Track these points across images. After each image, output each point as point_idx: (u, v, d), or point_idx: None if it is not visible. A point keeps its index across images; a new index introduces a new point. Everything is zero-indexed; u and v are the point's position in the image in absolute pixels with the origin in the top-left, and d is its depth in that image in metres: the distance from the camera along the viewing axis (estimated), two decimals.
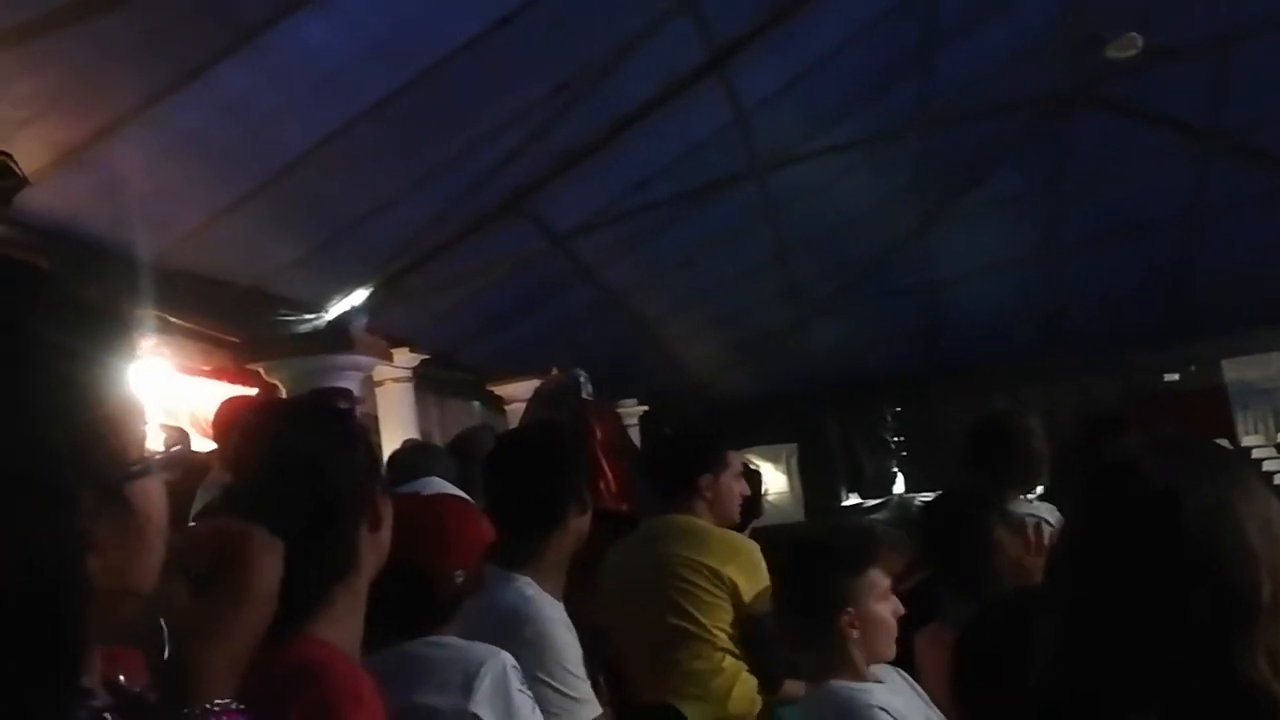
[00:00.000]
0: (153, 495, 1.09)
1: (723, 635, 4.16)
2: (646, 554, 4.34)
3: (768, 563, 4.19)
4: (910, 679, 3.22)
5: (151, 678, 1.19)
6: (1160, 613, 1.33)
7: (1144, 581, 1.36)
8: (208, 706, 1.21)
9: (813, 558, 3.14)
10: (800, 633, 3.14)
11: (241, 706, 1.25)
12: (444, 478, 2.94)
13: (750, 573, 4.18)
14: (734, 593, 4.16)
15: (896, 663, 3.24)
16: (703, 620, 4.15)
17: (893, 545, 3.16)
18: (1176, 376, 14.78)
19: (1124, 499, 1.43)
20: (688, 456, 4.53)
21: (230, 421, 4.77)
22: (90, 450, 0.98)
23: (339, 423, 2.07)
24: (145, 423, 1.10)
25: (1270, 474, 12.85)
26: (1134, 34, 8.93)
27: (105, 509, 1.00)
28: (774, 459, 14.83)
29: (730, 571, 4.17)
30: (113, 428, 1.02)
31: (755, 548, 4.30)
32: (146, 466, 1.08)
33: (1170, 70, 9.45)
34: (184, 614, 1.23)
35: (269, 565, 1.34)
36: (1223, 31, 9.03)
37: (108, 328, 1.05)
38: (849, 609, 2.98)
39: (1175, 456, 1.45)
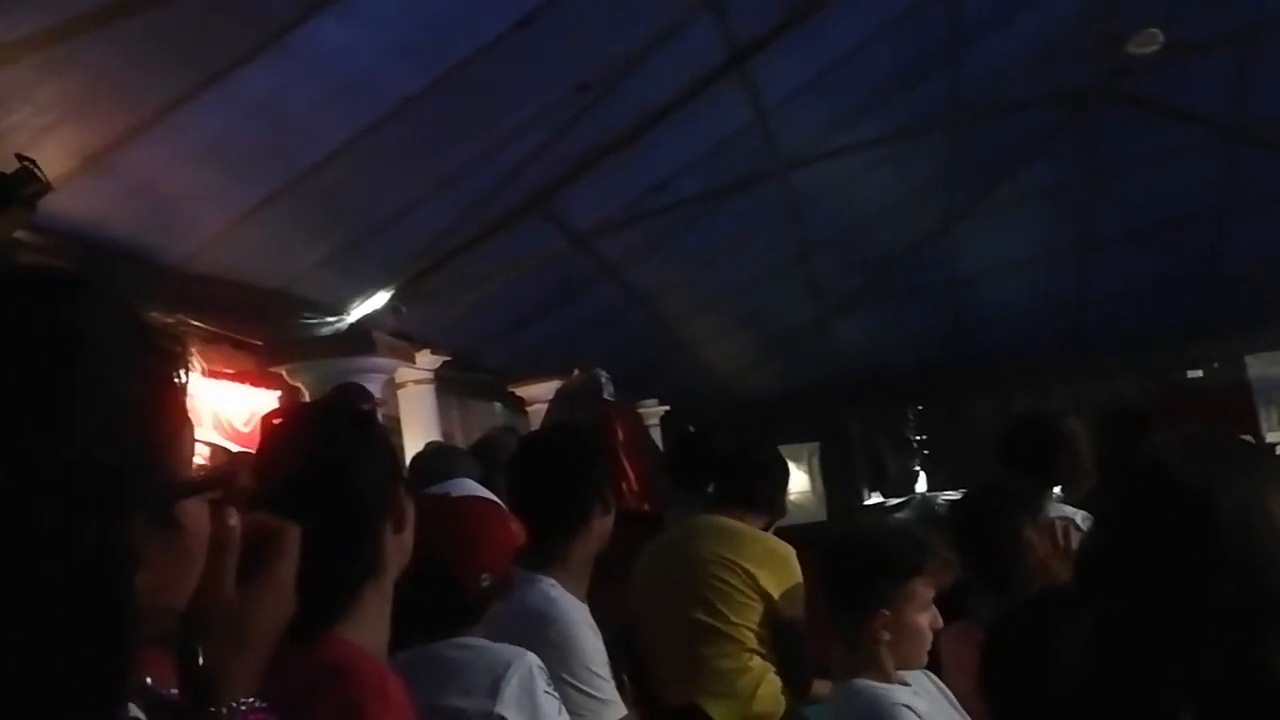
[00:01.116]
0: (199, 514, 1.09)
1: (752, 636, 4.19)
2: (682, 552, 4.37)
3: (801, 563, 4.21)
4: (938, 680, 3.22)
5: (179, 680, 1.19)
6: (1194, 612, 1.32)
7: (1177, 580, 1.35)
8: (234, 705, 1.22)
9: (861, 556, 3.14)
10: (835, 626, 3.14)
11: (265, 705, 1.25)
12: (468, 479, 2.94)
13: (784, 576, 4.21)
14: (766, 595, 4.19)
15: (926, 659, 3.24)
16: (733, 619, 4.18)
17: (944, 559, 3.14)
18: (1200, 373, 14.71)
19: (1157, 498, 1.42)
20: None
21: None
22: (147, 467, 0.98)
23: (362, 424, 2.08)
24: (195, 441, 1.10)
25: None
26: (1155, 30, 8.88)
27: (155, 527, 1.00)
28: (796, 458, 14.78)
29: (765, 574, 4.20)
30: (168, 446, 1.03)
31: (791, 552, 4.33)
32: (196, 486, 1.08)
33: (1194, 65, 9.39)
34: (225, 603, 1.23)
35: (294, 563, 1.35)
36: (1245, 25, 8.97)
37: (166, 343, 1.06)
38: (885, 612, 2.97)
39: (1207, 455, 1.44)
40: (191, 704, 1.19)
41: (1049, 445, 4.43)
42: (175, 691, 1.17)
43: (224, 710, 1.21)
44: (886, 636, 2.97)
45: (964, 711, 3.10)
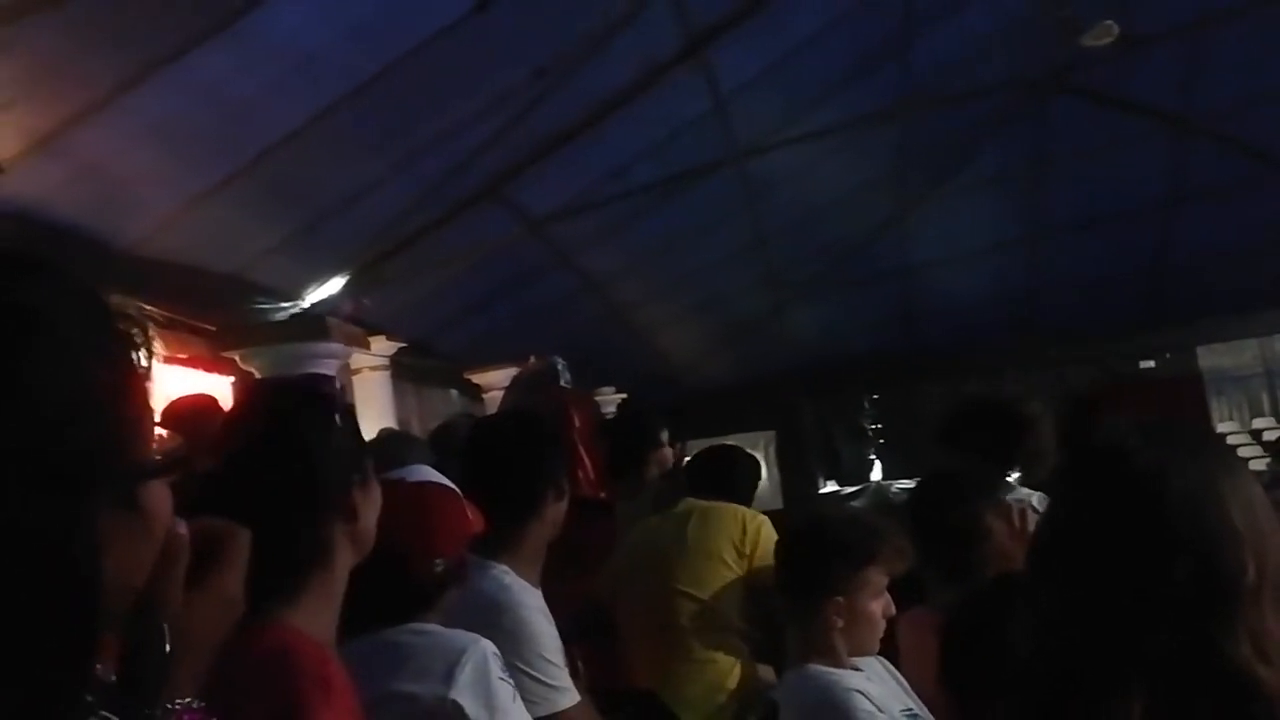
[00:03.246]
0: (160, 496, 1.08)
1: (729, 614, 4.21)
2: (667, 534, 4.39)
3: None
4: (891, 667, 3.23)
5: (119, 667, 1.18)
6: (1144, 594, 1.33)
7: (1128, 562, 1.36)
8: (169, 706, 1.21)
9: (815, 543, 3.15)
10: (788, 612, 3.15)
11: (202, 704, 1.25)
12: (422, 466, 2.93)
13: (768, 556, 4.23)
14: (750, 573, 4.23)
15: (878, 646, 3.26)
16: (709, 601, 4.20)
17: (898, 546, 3.16)
18: (1152, 363, 14.85)
19: (1109, 480, 1.43)
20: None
21: (180, 418, 4.75)
22: (111, 449, 0.97)
23: (321, 410, 2.07)
24: (156, 423, 1.09)
25: (1246, 460, 12.92)
26: (1110, 21, 8.94)
27: (119, 508, 0.99)
28: (751, 446, 14.80)
29: (754, 554, 4.24)
30: (130, 427, 1.02)
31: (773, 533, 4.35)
32: (158, 467, 1.08)
33: (1146, 57, 9.46)
34: (174, 611, 1.22)
35: (243, 569, 1.34)
36: (1196, 18, 9.05)
37: (125, 325, 1.05)
38: (839, 599, 2.98)
39: (1160, 440, 1.45)
40: (128, 698, 1.18)
41: (1010, 429, 4.40)
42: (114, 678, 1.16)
43: (159, 711, 1.20)
44: (839, 623, 2.98)
45: (917, 697, 3.12)
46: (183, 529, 1.20)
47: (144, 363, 1.06)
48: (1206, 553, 1.32)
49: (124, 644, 1.18)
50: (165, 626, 1.19)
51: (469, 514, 2.68)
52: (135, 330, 1.06)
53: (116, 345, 1.02)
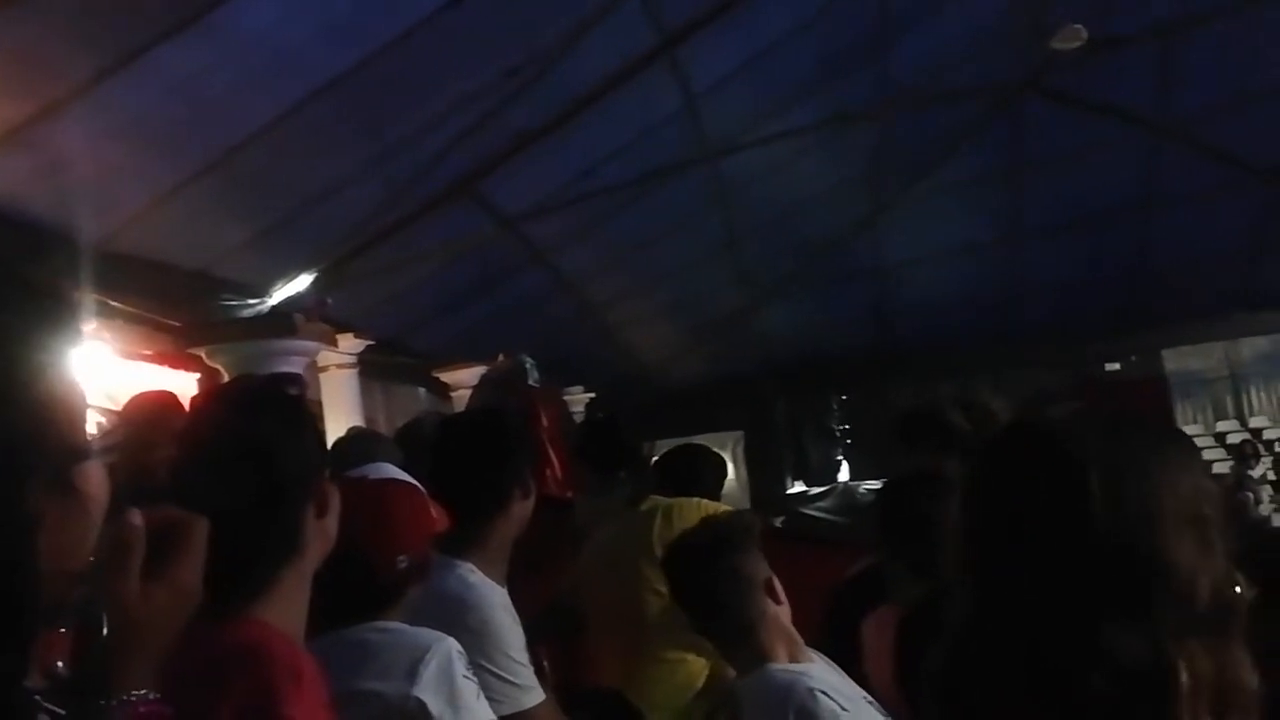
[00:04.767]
0: (95, 478, 1.08)
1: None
2: (634, 530, 4.38)
3: None
4: (837, 667, 3.21)
5: (74, 661, 1.18)
6: (1064, 578, 1.30)
7: (1049, 543, 1.32)
8: (126, 697, 1.21)
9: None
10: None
11: (158, 696, 1.25)
12: (388, 464, 2.92)
13: None
14: None
15: (842, 646, 3.25)
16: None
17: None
18: (1119, 366, 14.95)
19: (1029, 459, 1.40)
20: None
21: (137, 415, 4.73)
22: (40, 432, 0.97)
23: (289, 406, 2.07)
24: (87, 406, 1.09)
25: (1209, 463, 13.01)
26: (1078, 25, 9.00)
27: (52, 491, 0.99)
28: (720, 446, 14.82)
29: None
30: (59, 410, 1.02)
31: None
32: (92, 449, 1.07)
33: (1117, 61, 9.52)
34: (127, 602, 1.22)
35: (200, 558, 1.34)
36: (1167, 21, 9.11)
37: (53, 311, 1.05)
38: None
39: (1089, 422, 1.43)
40: (83, 692, 1.18)
41: (980, 427, 4.41)
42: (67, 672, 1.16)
43: (114, 702, 1.20)
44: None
45: (873, 696, 3.11)
46: (137, 519, 1.20)
47: (74, 345, 1.06)
48: (1129, 537, 1.29)
49: (76, 637, 1.18)
50: (104, 616, 1.19)
51: (432, 511, 2.67)
52: (67, 313, 1.06)
53: (44, 328, 1.02)
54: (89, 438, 1.09)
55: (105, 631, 1.19)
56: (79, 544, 1.07)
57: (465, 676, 2.39)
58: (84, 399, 1.08)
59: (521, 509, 3.27)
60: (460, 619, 2.84)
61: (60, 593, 1.07)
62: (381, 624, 2.47)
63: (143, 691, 1.23)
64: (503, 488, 3.23)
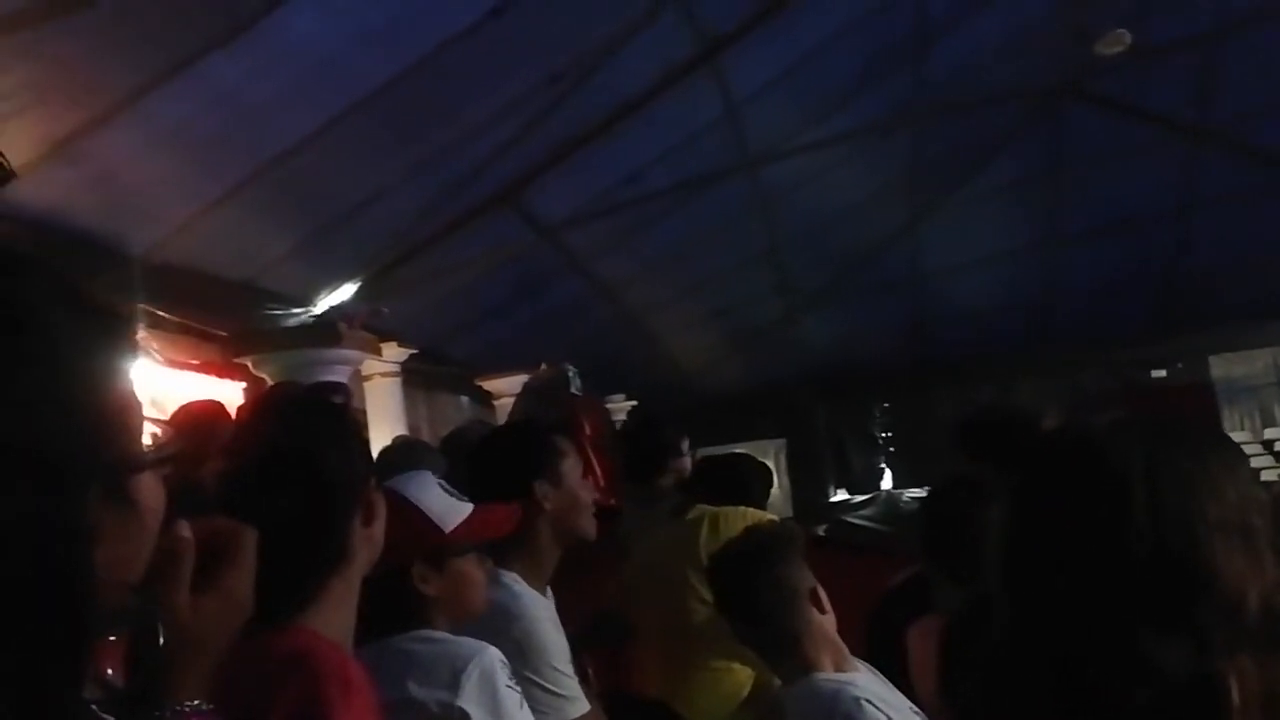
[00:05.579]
0: (152, 489, 1.09)
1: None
2: (680, 538, 4.38)
3: None
4: (882, 676, 3.19)
5: (128, 671, 1.19)
6: (1106, 590, 1.27)
7: (1089, 554, 1.29)
8: (179, 708, 1.21)
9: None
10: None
11: (211, 707, 1.26)
12: (433, 473, 2.91)
13: None
14: None
15: (886, 656, 3.24)
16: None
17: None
18: (1164, 373, 14.82)
19: (1070, 467, 1.37)
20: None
21: (185, 426, 4.77)
22: (98, 443, 0.97)
23: (334, 415, 2.08)
24: (143, 417, 1.10)
25: (1257, 471, 12.87)
26: (1122, 30, 8.95)
27: (109, 502, 1.00)
28: (762, 454, 14.79)
29: None
30: (117, 421, 1.03)
31: None
32: (149, 460, 1.08)
33: (1159, 66, 9.47)
34: (179, 613, 1.23)
35: (250, 569, 1.35)
36: (1209, 29, 9.05)
37: (110, 322, 1.06)
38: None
39: (1132, 429, 1.40)
40: (138, 700, 1.18)
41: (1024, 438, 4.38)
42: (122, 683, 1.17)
43: (168, 713, 1.20)
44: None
45: (920, 710, 3.09)
46: (186, 530, 1.20)
47: (130, 356, 1.07)
48: (1173, 547, 1.26)
49: (130, 647, 1.18)
50: (160, 625, 1.20)
51: (415, 525, 2.59)
52: (122, 325, 1.07)
53: (102, 340, 1.03)
54: (145, 449, 1.10)
55: (161, 642, 1.20)
56: (135, 555, 1.08)
57: (508, 686, 2.39)
58: (140, 411, 1.09)
59: (558, 502, 3.26)
60: (504, 629, 2.84)
61: (115, 603, 1.08)
62: (425, 634, 2.47)
63: (196, 702, 1.23)
64: (527, 481, 3.22)
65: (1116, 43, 9.02)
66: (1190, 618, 1.22)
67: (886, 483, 15.46)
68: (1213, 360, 14.79)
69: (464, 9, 5.84)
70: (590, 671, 3.28)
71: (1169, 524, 1.26)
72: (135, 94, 5.13)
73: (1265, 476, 12.36)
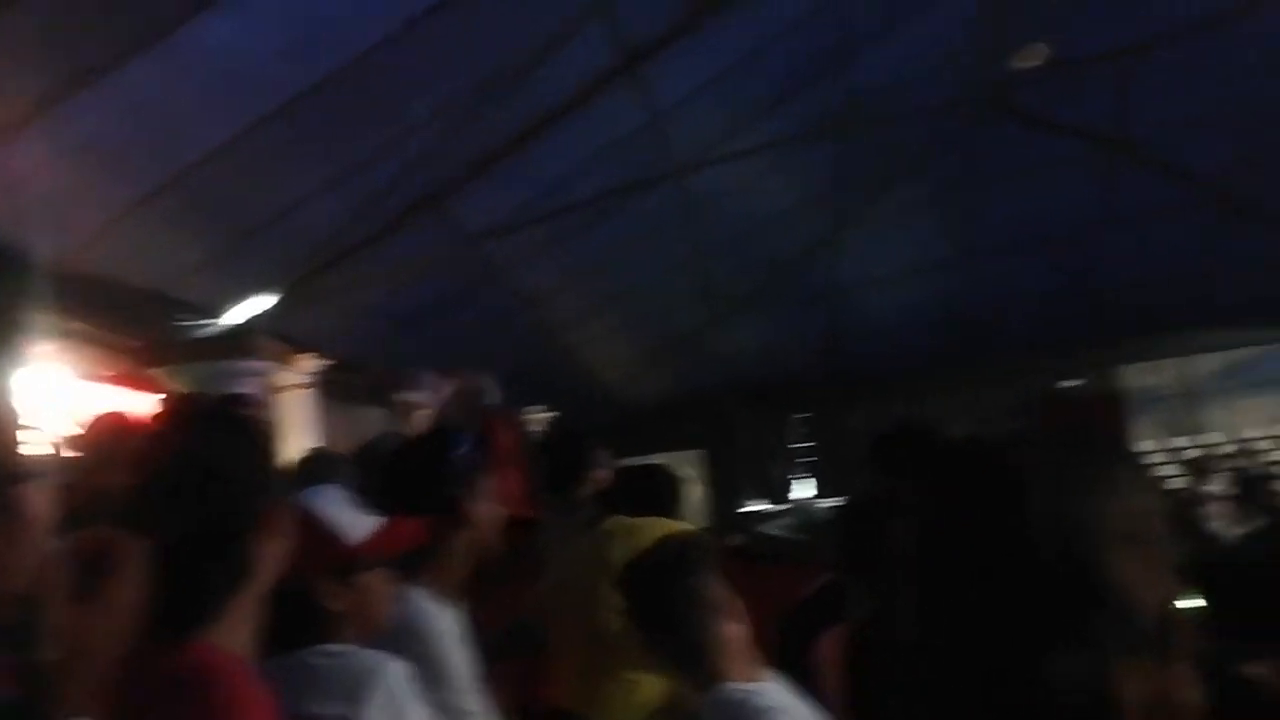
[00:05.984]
0: (35, 500, 1.07)
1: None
2: (593, 550, 4.37)
3: None
4: (791, 686, 3.21)
5: (13, 685, 1.17)
6: (1004, 600, 1.28)
7: (988, 565, 1.30)
8: None
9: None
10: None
11: None
12: (345, 486, 2.90)
13: None
14: None
15: (797, 665, 3.25)
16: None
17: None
18: (1077, 383, 15.04)
19: (969, 479, 1.39)
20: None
21: (93, 438, 4.69)
22: None
23: (241, 428, 2.06)
24: (27, 427, 1.08)
25: (1160, 480, 13.07)
26: (1040, 44, 9.07)
27: None
28: (682, 465, 14.83)
29: None
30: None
31: None
32: (33, 470, 1.07)
33: (1078, 80, 9.60)
34: (62, 624, 1.21)
35: (136, 580, 1.33)
36: (1127, 42, 9.17)
37: None
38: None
39: (1032, 440, 1.42)
40: (21, 713, 1.17)
41: (922, 450, 4.45)
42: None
43: None
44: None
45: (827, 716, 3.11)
46: (65, 540, 1.19)
47: (19, 365, 1.05)
48: (1071, 556, 1.28)
49: (18, 663, 1.17)
50: (43, 639, 1.19)
51: (330, 542, 2.58)
52: (11, 331, 1.06)
53: None
54: (27, 460, 1.08)
55: (45, 655, 1.18)
56: (18, 567, 1.06)
57: (411, 699, 2.38)
58: (18, 421, 1.08)
59: (479, 514, 3.26)
60: (409, 645, 2.82)
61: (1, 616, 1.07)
62: (328, 648, 2.45)
63: (83, 717, 1.22)
64: (448, 495, 3.21)
65: (1034, 56, 9.14)
66: (1087, 626, 1.24)
67: (805, 493, 15.53)
68: (1122, 371, 15.06)
69: (386, 19, 5.81)
70: (500, 683, 3.27)
71: (1065, 534, 1.27)
72: (45, 103, 5.05)
73: (1171, 485, 12.57)
